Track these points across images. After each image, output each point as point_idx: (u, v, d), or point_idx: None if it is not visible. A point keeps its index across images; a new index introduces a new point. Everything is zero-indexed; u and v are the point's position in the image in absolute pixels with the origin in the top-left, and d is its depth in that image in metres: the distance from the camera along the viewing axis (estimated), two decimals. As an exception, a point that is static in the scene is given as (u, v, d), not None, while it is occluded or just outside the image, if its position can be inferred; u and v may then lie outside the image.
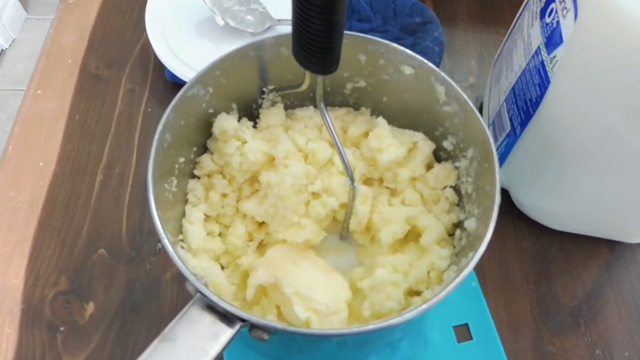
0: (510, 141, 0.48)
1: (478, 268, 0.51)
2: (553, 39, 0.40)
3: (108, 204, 0.52)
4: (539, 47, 0.42)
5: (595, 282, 0.51)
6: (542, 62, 0.42)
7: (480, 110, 0.57)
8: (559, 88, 0.40)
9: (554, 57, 0.40)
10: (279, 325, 0.31)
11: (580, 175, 0.44)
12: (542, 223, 0.52)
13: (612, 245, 0.52)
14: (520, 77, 0.46)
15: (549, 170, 0.46)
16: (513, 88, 0.47)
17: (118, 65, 0.61)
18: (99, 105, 0.58)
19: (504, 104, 0.49)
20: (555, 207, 0.49)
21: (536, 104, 0.43)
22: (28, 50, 1.74)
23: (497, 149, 0.49)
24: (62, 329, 0.46)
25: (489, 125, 0.53)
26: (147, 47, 0.62)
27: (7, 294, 0.47)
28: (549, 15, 0.41)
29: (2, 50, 1.73)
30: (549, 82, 0.41)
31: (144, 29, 0.59)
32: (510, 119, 0.47)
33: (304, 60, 0.34)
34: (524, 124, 0.45)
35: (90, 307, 0.47)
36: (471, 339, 0.47)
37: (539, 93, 0.42)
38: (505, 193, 0.52)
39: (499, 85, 0.51)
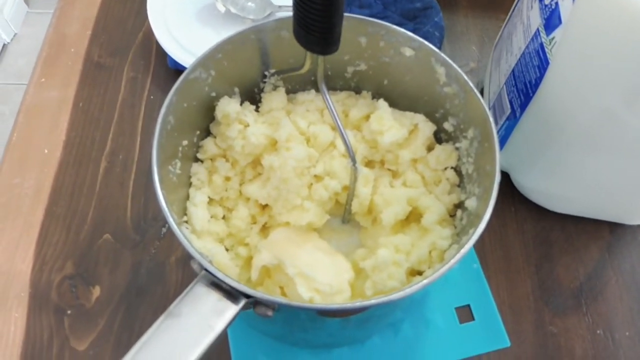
0: (510, 124, 0.48)
1: (479, 250, 0.51)
2: (552, 20, 0.41)
3: (112, 189, 0.53)
4: (538, 29, 0.43)
5: (596, 263, 0.51)
6: (541, 44, 0.42)
7: (481, 94, 0.57)
8: (558, 69, 0.41)
9: (553, 38, 0.40)
10: (283, 300, 0.31)
11: (580, 157, 0.44)
12: (542, 206, 0.52)
13: (613, 227, 0.53)
14: (519, 59, 0.46)
15: (549, 152, 0.46)
16: (513, 71, 0.47)
17: (120, 53, 0.62)
18: (102, 92, 0.59)
19: (504, 86, 0.49)
20: (555, 189, 0.49)
21: (535, 86, 0.43)
22: (30, 44, 1.74)
23: (497, 132, 0.49)
24: (69, 312, 0.47)
25: (489, 108, 0.53)
26: (149, 34, 0.63)
27: (14, 279, 0.48)
28: (548, -4, 0.42)
29: (4, 44, 1.73)
30: (548, 63, 0.41)
31: (146, 17, 0.60)
32: (510, 102, 0.48)
33: (305, 40, 0.34)
34: (523, 106, 0.45)
35: (97, 291, 0.48)
36: (473, 319, 0.47)
37: (538, 75, 0.42)
38: (506, 176, 0.53)
39: (499, 68, 0.52)
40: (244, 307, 0.31)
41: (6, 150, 0.55)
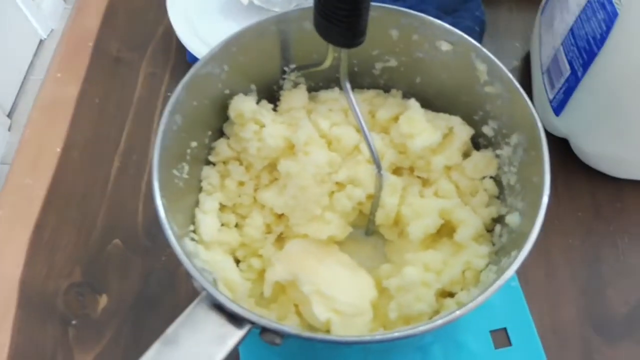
0: (570, 86, 0.45)
1: (519, 266, 0.47)
2: (618, -30, 0.38)
3: (124, 192, 0.51)
4: None
5: (652, 285, 0.46)
6: None
7: (528, 64, 0.56)
8: (629, 19, 0.38)
9: None
10: (292, 330, 0.28)
11: None
12: (606, 172, 0.50)
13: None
14: (579, 16, 0.44)
15: (617, 112, 0.43)
16: (571, 29, 0.45)
17: (139, 48, 0.60)
18: (119, 88, 0.57)
19: (561, 47, 0.47)
20: (624, 152, 0.47)
21: (601, 41, 0.41)
22: (65, 40, 1.76)
23: (554, 97, 0.48)
24: (74, 322, 0.45)
25: (542, 74, 0.51)
26: (169, 30, 0.60)
27: (19, 285, 0.46)
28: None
29: (41, 40, 1.76)
30: (616, 15, 0.39)
31: (166, 11, 0.58)
32: (570, 62, 0.45)
33: (326, 31, 0.31)
34: (586, 65, 0.43)
35: (104, 300, 0.46)
36: (510, 345, 0.44)
37: (604, 29, 0.40)
38: (559, 146, 0.50)
39: (552, 30, 0.49)
40: (249, 332, 0.28)
41: (18, 149, 0.53)
